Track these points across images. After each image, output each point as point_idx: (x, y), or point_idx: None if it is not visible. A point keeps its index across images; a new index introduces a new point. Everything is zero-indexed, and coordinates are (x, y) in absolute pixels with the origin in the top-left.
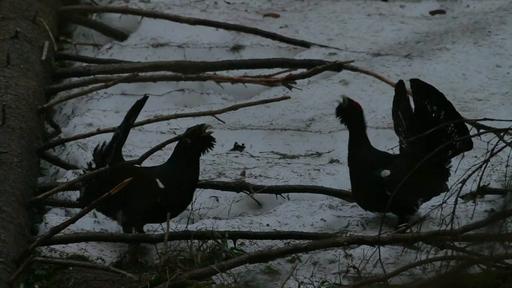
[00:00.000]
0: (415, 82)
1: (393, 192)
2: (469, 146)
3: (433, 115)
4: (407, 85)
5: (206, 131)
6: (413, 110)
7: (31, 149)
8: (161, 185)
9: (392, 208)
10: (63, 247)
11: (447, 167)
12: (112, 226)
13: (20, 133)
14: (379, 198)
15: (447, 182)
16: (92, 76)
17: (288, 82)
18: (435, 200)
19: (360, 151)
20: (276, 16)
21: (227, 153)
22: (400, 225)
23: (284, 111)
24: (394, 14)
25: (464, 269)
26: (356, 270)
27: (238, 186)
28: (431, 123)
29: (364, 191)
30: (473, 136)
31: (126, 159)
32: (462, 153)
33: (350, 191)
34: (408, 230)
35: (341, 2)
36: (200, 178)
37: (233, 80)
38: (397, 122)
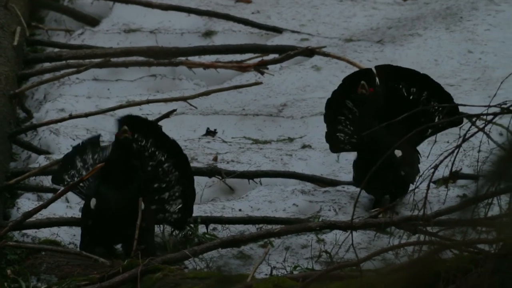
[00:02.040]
0: (385, 68)
1: (406, 171)
2: (456, 123)
3: (411, 97)
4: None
5: (122, 136)
6: (382, 96)
7: (3, 134)
8: (92, 206)
9: (399, 187)
10: (35, 232)
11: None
12: None
13: None
14: (393, 179)
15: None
16: (64, 62)
17: (260, 67)
18: None
19: (378, 134)
20: (248, 1)
21: (199, 139)
22: (373, 210)
23: (256, 97)
24: (366, 0)
25: (436, 254)
26: (328, 255)
27: (210, 171)
28: (408, 105)
29: (383, 173)
30: (444, 121)
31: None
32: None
33: (325, 178)
34: (381, 215)
35: None
36: None
37: (205, 66)
38: (340, 111)
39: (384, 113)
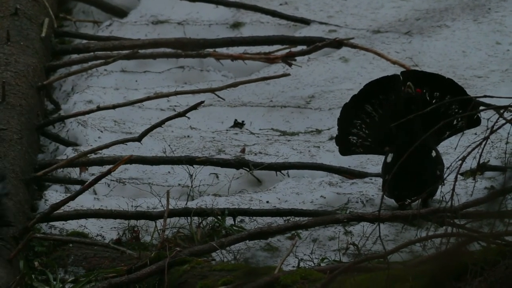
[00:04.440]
0: (410, 73)
1: (441, 170)
2: (476, 122)
3: (434, 101)
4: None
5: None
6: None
7: (31, 126)
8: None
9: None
10: (63, 224)
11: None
12: (112, 203)
13: (20, 110)
14: (430, 178)
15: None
16: (92, 53)
17: (288, 59)
18: None
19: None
20: None
21: (226, 130)
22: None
23: (284, 88)
24: None
25: (463, 246)
26: (356, 247)
27: (238, 163)
28: (433, 111)
29: (424, 175)
30: (473, 113)
31: (126, 136)
32: (462, 132)
33: (353, 170)
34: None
35: None
36: (200, 155)
37: (233, 57)
38: (357, 115)
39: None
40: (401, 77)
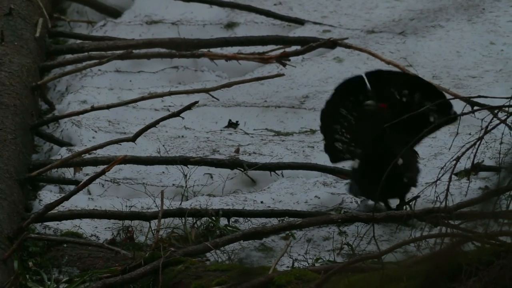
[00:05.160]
0: (375, 73)
1: (408, 177)
2: (451, 120)
3: (404, 100)
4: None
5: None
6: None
7: (25, 126)
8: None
9: (401, 192)
10: (57, 224)
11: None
12: (106, 203)
13: (14, 110)
14: (398, 186)
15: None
16: (86, 53)
17: (282, 59)
18: (429, 178)
19: (385, 145)
20: None
21: (221, 130)
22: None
23: (278, 88)
24: None
25: (458, 246)
26: (350, 247)
27: (232, 163)
28: (402, 108)
29: (388, 181)
30: (467, 113)
31: (120, 136)
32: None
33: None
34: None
35: None
36: (194, 155)
37: (227, 57)
38: (335, 119)
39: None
40: (365, 78)
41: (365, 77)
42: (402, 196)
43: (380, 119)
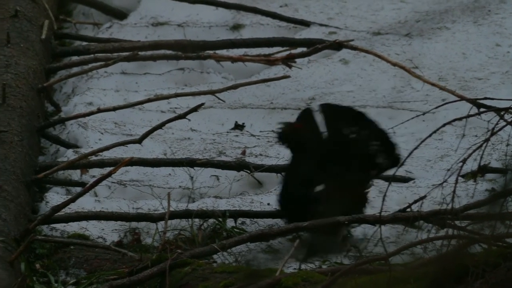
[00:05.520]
0: (326, 107)
1: (324, 206)
2: (395, 162)
3: (350, 136)
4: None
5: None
6: (327, 134)
7: (31, 128)
8: None
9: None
10: (64, 226)
11: (367, 191)
12: (113, 205)
13: (20, 112)
14: (311, 214)
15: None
16: (92, 55)
17: (288, 61)
18: (436, 180)
19: (301, 167)
20: None
21: (227, 132)
22: None
23: (284, 90)
24: None
25: (465, 248)
26: (357, 249)
27: (238, 165)
28: (349, 144)
29: (299, 205)
30: (473, 115)
31: (126, 138)
32: (386, 171)
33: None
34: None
35: None
36: (200, 157)
37: (233, 59)
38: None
39: (328, 152)
40: (311, 111)
41: (315, 109)
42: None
43: (287, 142)
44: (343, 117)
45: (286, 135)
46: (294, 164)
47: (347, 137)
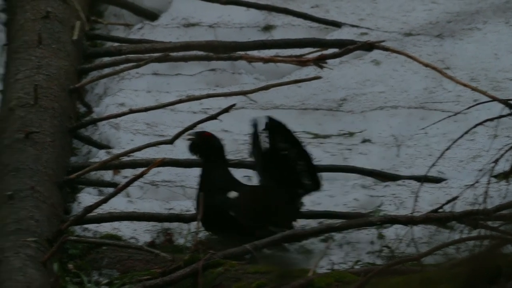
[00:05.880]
0: (269, 120)
1: (237, 213)
2: (316, 186)
3: (284, 152)
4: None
5: None
6: (267, 148)
7: (63, 129)
8: None
9: (232, 228)
10: (97, 226)
11: (299, 205)
12: (145, 205)
13: (52, 113)
14: (224, 219)
15: (295, 222)
16: (123, 56)
17: (320, 62)
18: (468, 180)
19: (214, 175)
20: None
21: (259, 133)
22: None
23: (315, 91)
24: None
25: (497, 248)
26: (389, 249)
27: None
28: (282, 160)
29: (211, 212)
30: (505, 116)
31: (158, 139)
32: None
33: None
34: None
35: None
36: (232, 157)
37: (265, 60)
38: (254, 158)
39: (267, 166)
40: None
41: (262, 121)
42: (235, 232)
43: (211, 148)
44: (280, 133)
45: (197, 144)
46: (206, 172)
47: (279, 152)
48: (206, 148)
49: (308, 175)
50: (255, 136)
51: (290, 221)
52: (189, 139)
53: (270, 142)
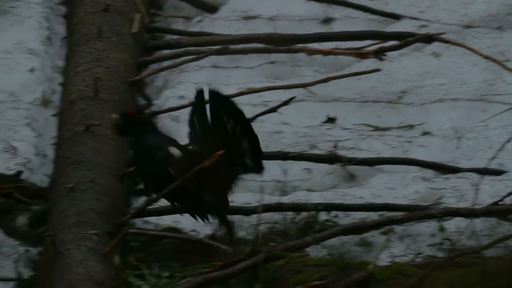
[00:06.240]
0: (213, 93)
1: (176, 172)
2: (258, 169)
3: (229, 127)
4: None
5: None
6: (210, 119)
7: None
8: None
9: (179, 196)
10: (157, 219)
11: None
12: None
13: (112, 105)
14: (165, 179)
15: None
16: (183, 49)
17: (379, 54)
18: None
19: (148, 139)
20: None
21: (319, 126)
22: None
23: (375, 83)
24: None
25: None
26: (450, 242)
27: (330, 158)
28: (226, 135)
29: (150, 173)
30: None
31: None
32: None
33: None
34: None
35: None
36: (292, 150)
37: (324, 52)
38: (191, 127)
39: (208, 138)
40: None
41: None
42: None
43: (138, 124)
44: (225, 107)
45: (122, 126)
46: (140, 144)
47: (224, 126)
48: (132, 127)
49: (251, 157)
50: (198, 106)
51: (225, 193)
52: (113, 122)
53: (214, 114)
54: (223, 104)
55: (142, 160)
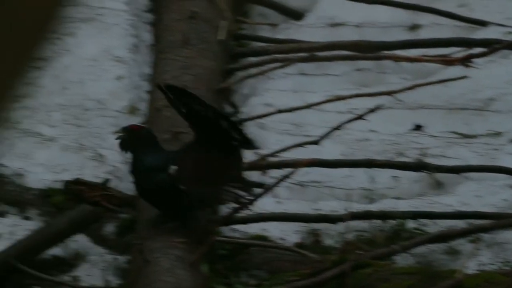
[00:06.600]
0: (169, 88)
1: (186, 184)
2: (247, 142)
3: (202, 113)
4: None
5: None
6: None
7: None
8: None
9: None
10: (244, 227)
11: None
12: (293, 206)
13: None
14: (173, 197)
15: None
16: (270, 56)
17: (466, 61)
18: None
19: (147, 158)
20: None
21: (406, 133)
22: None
23: (462, 91)
24: None
25: None
26: None
27: (417, 166)
28: (204, 120)
29: (153, 195)
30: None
31: (304, 139)
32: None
33: None
34: None
35: None
36: (379, 158)
37: (411, 60)
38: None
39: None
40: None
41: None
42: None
43: (141, 139)
44: (190, 97)
45: (128, 141)
46: (139, 158)
47: (199, 114)
48: (138, 141)
49: (236, 131)
50: (168, 100)
51: (238, 175)
52: (118, 138)
53: (184, 105)
54: (184, 94)
55: (142, 183)
